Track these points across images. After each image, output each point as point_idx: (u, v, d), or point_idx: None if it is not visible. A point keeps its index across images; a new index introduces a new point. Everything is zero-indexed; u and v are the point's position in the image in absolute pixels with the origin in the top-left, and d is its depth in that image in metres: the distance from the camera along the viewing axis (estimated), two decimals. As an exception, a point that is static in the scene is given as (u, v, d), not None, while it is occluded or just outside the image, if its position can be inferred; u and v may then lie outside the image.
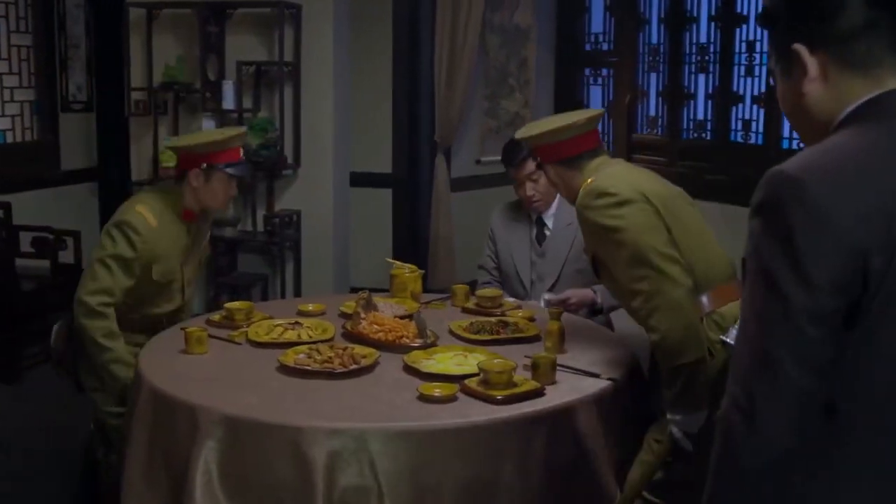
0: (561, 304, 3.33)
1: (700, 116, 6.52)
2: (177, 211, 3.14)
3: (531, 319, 3.15)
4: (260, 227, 5.68)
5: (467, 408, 2.33)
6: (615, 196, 2.49)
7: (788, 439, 1.22)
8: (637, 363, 2.77)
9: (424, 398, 2.37)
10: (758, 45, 5.99)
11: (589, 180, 2.59)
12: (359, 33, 6.09)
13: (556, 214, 3.70)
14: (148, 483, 2.46)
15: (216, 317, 3.12)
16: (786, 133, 5.86)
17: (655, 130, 6.92)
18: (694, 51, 6.51)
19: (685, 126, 6.64)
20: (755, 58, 6.03)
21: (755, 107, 6.05)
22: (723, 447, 1.26)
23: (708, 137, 6.46)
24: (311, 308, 3.26)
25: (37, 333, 5.31)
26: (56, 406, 4.54)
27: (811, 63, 1.35)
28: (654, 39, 6.85)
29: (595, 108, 7.48)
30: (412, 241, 6.62)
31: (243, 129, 3.29)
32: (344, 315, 3.21)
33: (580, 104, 7.61)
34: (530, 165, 3.61)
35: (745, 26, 6.08)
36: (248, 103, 5.57)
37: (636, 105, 7.08)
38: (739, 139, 6.19)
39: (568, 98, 7.63)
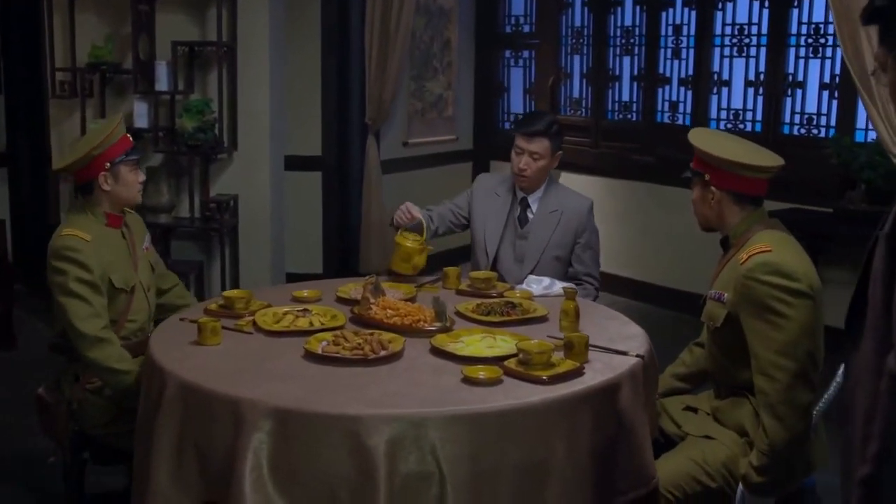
0: None
1: (625, 98, 6.67)
2: (101, 221, 3.03)
3: (529, 299, 3.18)
4: (196, 213, 5.50)
5: (515, 389, 2.33)
6: (795, 283, 2.45)
7: None
8: (648, 340, 2.82)
9: (470, 381, 2.35)
10: (684, 28, 6.17)
11: (762, 247, 2.52)
12: (288, 15, 5.95)
13: (542, 199, 3.69)
14: (176, 482, 2.34)
15: (213, 305, 3.01)
16: (713, 114, 6.06)
17: (579, 112, 7.04)
18: (619, 34, 6.65)
19: (610, 107, 6.78)
20: (682, 41, 6.21)
21: (682, 88, 6.23)
22: None
23: (633, 119, 6.61)
24: (306, 294, 3.18)
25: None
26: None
27: None
28: (578, 22, 6.96)
29: (516, 88, 7.57)
30: (343, 224, 6.54)
31: (120, 115, 3.20)
32: (341, 300, 3.15)
33: (500, 86, 7.69)
34: (539, 144, 3.58)
35: (671, 10, 6.25)
36: (180, 84, 5.37)
37: (559, 87, 7.17)
38: (666, 120, 6.36)
39: (488, 80, 7.68)
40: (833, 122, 5.44)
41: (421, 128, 7.15)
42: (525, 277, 3.56)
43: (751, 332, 2.52)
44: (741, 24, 5.85)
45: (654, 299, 6.27)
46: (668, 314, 5.75)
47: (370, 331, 2.69)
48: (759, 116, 5.80)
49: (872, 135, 5.22)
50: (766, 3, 5.70)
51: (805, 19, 5.53)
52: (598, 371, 2.47)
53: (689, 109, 6.19)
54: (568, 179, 6.96)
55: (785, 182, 5.10)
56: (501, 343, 2.64)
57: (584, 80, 6.97)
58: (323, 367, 2.48)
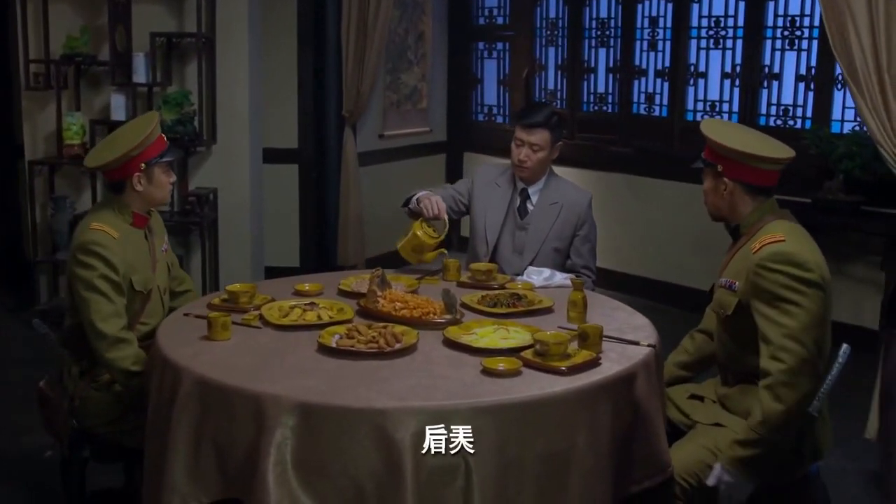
0: None
1: (601, 89, 6.70)
2: (127, 220, 2.96)
3: (531, 290, 3.19)
4: (175, 207, 5.43)
5: (536, 380, 2.33)
6: (808, 273, 2.48)
7: None
8: (655, 330, 2.84)
9: (490, 373, 2.35)
10: (661, 20, 6.21)
11: (775, 236, 2.56)
12: (264, 6, 5.88)
13: (543, 191, 3.69)
14: (193, 478, 2.32)
15: (216, 300, 2.98)
16: (689, 105, 6.12)
17: (554, 103, 7.05)
18: (594, 25, 6.68)
19: (585, 99, 6.81)
20: (658, 33, 6.25)
21: (659, 80, 6.27)
22: None
23: (609, 110, 6.64)
24: (307, 287, 3.16)
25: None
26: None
27: None
28: (553, 14, 6.97)
29: (490, 80, 7.58)
30: (320, 217, 6.50)
31: (156, 112, 3.15)
32: (344, 293, 3.14)
33: (474, 78, 7.69)
34: (539, 136, 3.58)
35: (647, 2, 6.29)
36: (157, 76, 5.29)
37: (534, 78, 7.19)
38: (643, 111, 6.41)
39: (461, 72, 7.68)
40: (809, 114, 5.52)
41: (396, 120, 7.12)
42: (524, 269, 3.57)
43: (761, 318, 2.54)
44: (717, 17, 5.91)
45: (631, 289, 6.31)
46: (645, 304, 5.78)
47: (383, 324, 2.67)
48: (735, 108, 5.87)
49: (848, 126, 5.33)
50: (743, -4, 5.78)
51: (781, 12, 5.60)
52: (614, 361, 2.49)
53: (665, 101, 6.24)
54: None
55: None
56: (515, 334, 2.64)
57: (559, 72, 7.00)
58: (339, 361, 2.46)
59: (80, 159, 5.29)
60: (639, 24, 6.36)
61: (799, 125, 5.56)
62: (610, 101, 6.65)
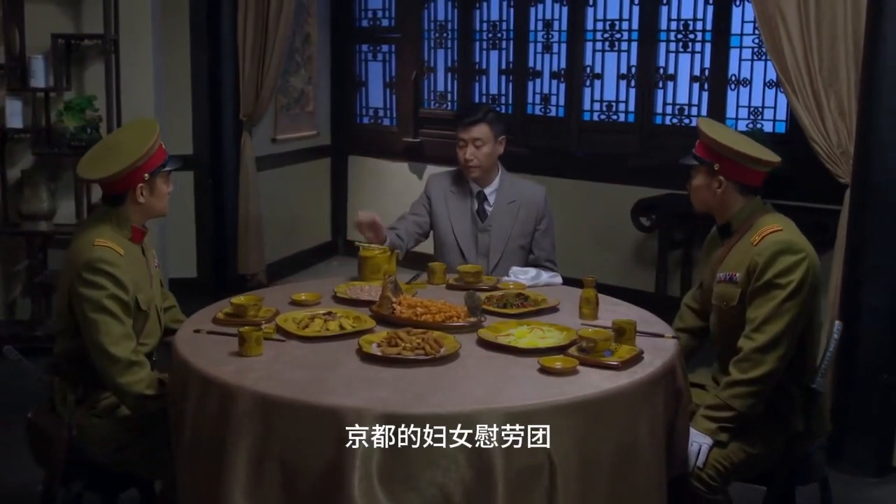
0: None
1: (493, 91, 6.82)
2: (126, 235, 2.80)
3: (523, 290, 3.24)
4: (75, 219, 5.11)
5: (596, 376, 2.38)
6: (802, 260, 2.67)
7: None
8: (664, 322, 2.95)
9: (550, 371, 2.38)
10: (555, 23, 6.39)
11: (773, 227, 2.73)
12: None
13: (499, 191, 3.74)
14: (253, 500, 2.22)
15: (220, 314, 2.84)
16: (586, 105, 6.33)
17: (445, 105, 7.12)
18: (485, 28, 6.79)
19: (478, 100, 6.90)
20: (553, 35, 6.43)
21: (554, 81, 6.45)
22: None
23: (503, 111, 6.76)
24: (304, 297, 3.07)
25: None
26: None
27: None
28: (441, 16, 7.03)
29: (375, 82, 7.56)
30: (218, 225, 6.29)
31: (155, 119, 3.00)
32: (341, 300, 3.07)
33: (357, 80, 7.65)
34: (479, 130, 3.63)
35: (540, 6, 6.46)
36: (56, 81, 4.97)
37: (423, 80, 7.22)
38: (538, 112, 6.57)
39: (345, 75, 7.61)
40: (704, 113, 5.83)
41: (287, 123, 6.98)
42: (491, 271, 3.61)
43: (751, 300, 2.72)
44: (612, 20, 6.15)
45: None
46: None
47: (422, 330, 2.64)
48: (632, 107, 6.12)
49: (742, 124, 5.68)
50: (636, 0, 6.02)
51: (674, 16, 5.90)
52: (653, 354, 2.56)
53: (562, 101, 6.42)
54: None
55: (661, 169, 5.46)
56: (549, 334, 2.68)
57: (450, 74, 7.06)
58: (392, 370, 2.41)
59: (-30, 170, 4.92)
60: (532, 27, 6.51)
61: (695, 123, 5.86)
62: (503, 102, 6.77)
